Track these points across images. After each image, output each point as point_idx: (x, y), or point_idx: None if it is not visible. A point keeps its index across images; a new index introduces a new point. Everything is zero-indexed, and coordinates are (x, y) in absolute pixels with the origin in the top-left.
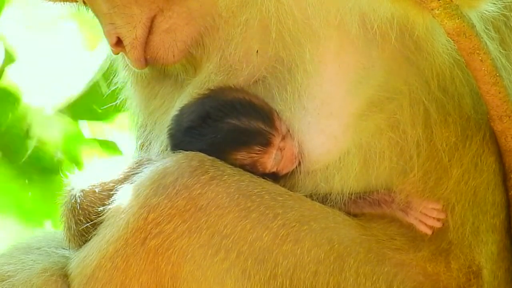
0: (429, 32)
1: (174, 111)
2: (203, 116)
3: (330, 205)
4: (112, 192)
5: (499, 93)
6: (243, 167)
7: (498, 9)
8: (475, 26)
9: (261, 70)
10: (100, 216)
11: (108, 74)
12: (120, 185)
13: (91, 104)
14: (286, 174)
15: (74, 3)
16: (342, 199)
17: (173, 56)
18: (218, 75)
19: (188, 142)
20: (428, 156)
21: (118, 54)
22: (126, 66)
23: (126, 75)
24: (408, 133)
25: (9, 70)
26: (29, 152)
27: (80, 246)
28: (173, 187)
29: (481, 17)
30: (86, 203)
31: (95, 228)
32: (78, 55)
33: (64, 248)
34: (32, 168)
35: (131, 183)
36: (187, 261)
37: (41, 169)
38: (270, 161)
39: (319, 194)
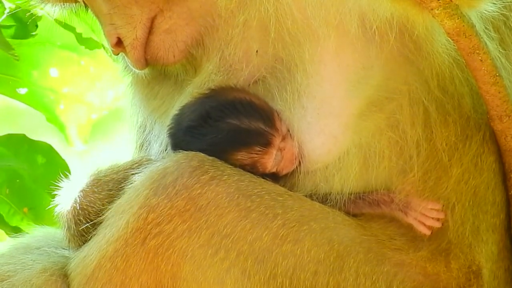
0: (429, 32)
1: (174, 111)
2: (204, 116)
3: (330, 205)
4: (111, 192)
5: (499, 93)
6: (243, 167)
7: (498, 9)
8: (475, 26)
9: (261, 70)
10: (99, 216)
11: None
12: (119, 185)
13: None
14: (286, 174)
15: (74, 4)
16: (342, 199)
17: (174, 56)
18: (218, 75)
19: (188, 142)
20: (428, 156)
21: (118, 54)
22: (126, 66)
23: (126, 75)
24: (408, 133)
25: None
26: None
27: (80, 246)
28: (173, 187)
29: (481, 16)
30: (86, 203)
31: (95, 228)
32: None
33: (64, 248)
34: None
35: (131, 183)
36: (187, 261)
37: None
38: (270, 161)
39: (319, 194)
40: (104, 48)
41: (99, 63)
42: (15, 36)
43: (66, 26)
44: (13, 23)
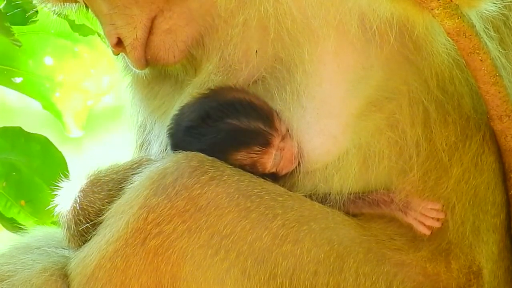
0: (429, 32)
1: (173, 111)
2: (203, 116)
3: (330, 205)
4: (111, 192)
5: (499, 93)
6: (242, 167)
7: (498, 9)
8: (475, 26)
9: (261, 70)
10: (99, 216)
11: None
12: (119, 185)
13: None
14: (286, 174)
15: (74, 4)
16: (341, 199)
17: (174, 56)
18: (218, 75)
19: (188, 142)
20: (427, 156)
21: (118, 54)
22: (126, 66)
23: (125, 75)
24: (408, 133)
25: None
26: None
27: (80, 246)
28: (173, 188)
29: (481, 16)
30: (86, 203)
31: (95, 228)
32: None
33: (64, 248)
34: None
35: (131, 183)
36: (187, 261)
37: None
38: (270, 161)
39: (318, 194)
40: (98, 34)
41: (94, 50)
42: (14, 23)
43: (59, 14)
44: (12, 10)
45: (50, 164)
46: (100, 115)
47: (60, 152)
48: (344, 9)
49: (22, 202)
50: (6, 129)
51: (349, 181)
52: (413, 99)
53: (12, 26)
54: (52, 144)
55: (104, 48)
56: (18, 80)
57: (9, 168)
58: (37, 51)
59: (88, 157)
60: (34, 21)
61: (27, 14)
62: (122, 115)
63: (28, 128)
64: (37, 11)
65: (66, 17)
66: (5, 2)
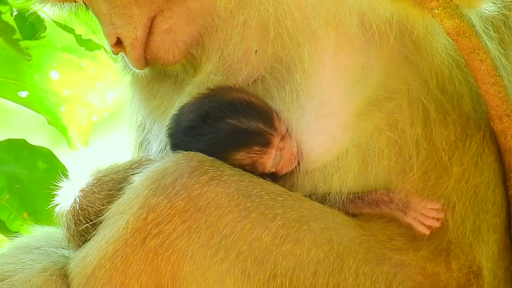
0: (429, 32)
1: (173, 111)
2: (203, 116)
3: (329, 205)
4: (111, 192)
5: (499, 92)
6: (242, 167)
7: (498, 9)
8: (475, 25)
9: (260, 70)
10: (99, 216)
11: None
12: (119, 185)
13: None
14: (285, 174)
15: (74, 4)
16: (341, 199)
17: (173, 56)
18: (218, 75)
19: (188, 142)
20: (427, 155)
21: (118, 54)
22: (125, 66)
23: (125, 74)
24: (407, 132)
25: None
26: None
27: (79, 246)
28: (173, 188)
29: (481, 16)
30: (86, 203)
31: (95, 228)
32: None
33: (64, 248)
34: None
35: (131, 183)
36: (187, 261)
37: None
38: (270, 161)
39: (318, 194)
40: (104, 49)
41: (99, 65)
42: (23, 37)
43: (65, 28)
44: (20, 25)
45: (53, 176)
46: (104, 128)
47: (63, 165)
48: (344, 9)
49: (25, 214)
50: (9, 142)
51: (349, 180)
52: (413, 98)
53: (20, 41)
54: (55, 157)
55: (110, 63)
56: (23, 94)
57: (13, 180)
58: (43, 65)
59: (88, 157)
60: (43, 37)
61: (35, 27)
62: (122, 115)
63: (28, 129)
64: (45, 27)
65: (72, 32)
66: (13, 16)
